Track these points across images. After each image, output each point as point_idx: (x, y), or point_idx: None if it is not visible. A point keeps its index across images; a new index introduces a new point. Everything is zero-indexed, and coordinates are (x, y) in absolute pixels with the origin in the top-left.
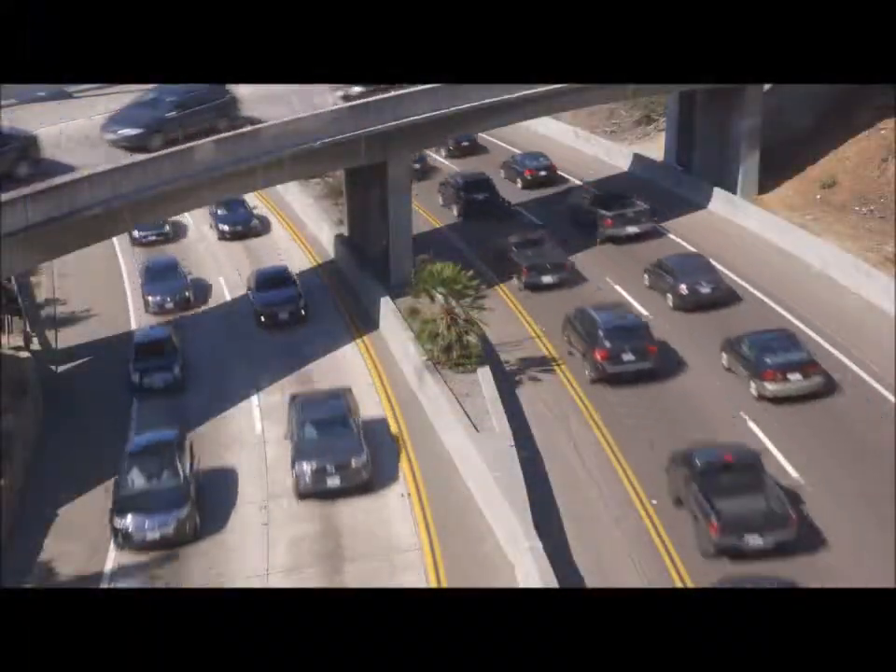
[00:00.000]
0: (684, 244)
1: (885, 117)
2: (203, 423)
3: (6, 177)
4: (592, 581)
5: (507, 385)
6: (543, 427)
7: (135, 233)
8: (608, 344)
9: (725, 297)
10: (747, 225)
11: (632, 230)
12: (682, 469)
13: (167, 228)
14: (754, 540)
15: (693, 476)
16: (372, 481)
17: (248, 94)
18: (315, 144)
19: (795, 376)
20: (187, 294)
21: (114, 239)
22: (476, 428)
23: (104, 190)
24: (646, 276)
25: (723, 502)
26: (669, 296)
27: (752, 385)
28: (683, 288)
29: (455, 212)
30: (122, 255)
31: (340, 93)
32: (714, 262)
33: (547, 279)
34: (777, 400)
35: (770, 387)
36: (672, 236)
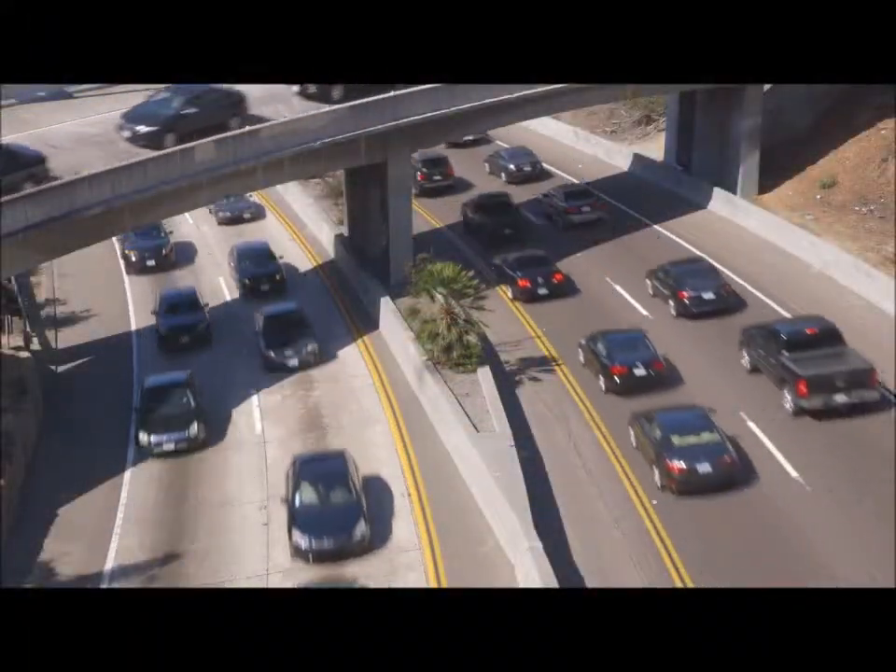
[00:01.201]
0: (684, 243)
1: (885, 117)
2: None
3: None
4: (592, 581)
5: (507, 385)
6: (543, 427)
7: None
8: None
9: (539, 173)
10: (747, 225)
11: (467, 138)
12: (470, 207)
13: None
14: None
15: (474, 210)
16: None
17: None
18: (315, 144)
19: (586, 209)
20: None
21: (114, 239)
22: (476, 428)
23: (104, 190)
24: (486, 165)
25: (486, 218)
26: (502, 174)
27: (560, 221)
28: (512, 168)
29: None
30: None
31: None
32: (716, 264)
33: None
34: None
35: (574, 219)
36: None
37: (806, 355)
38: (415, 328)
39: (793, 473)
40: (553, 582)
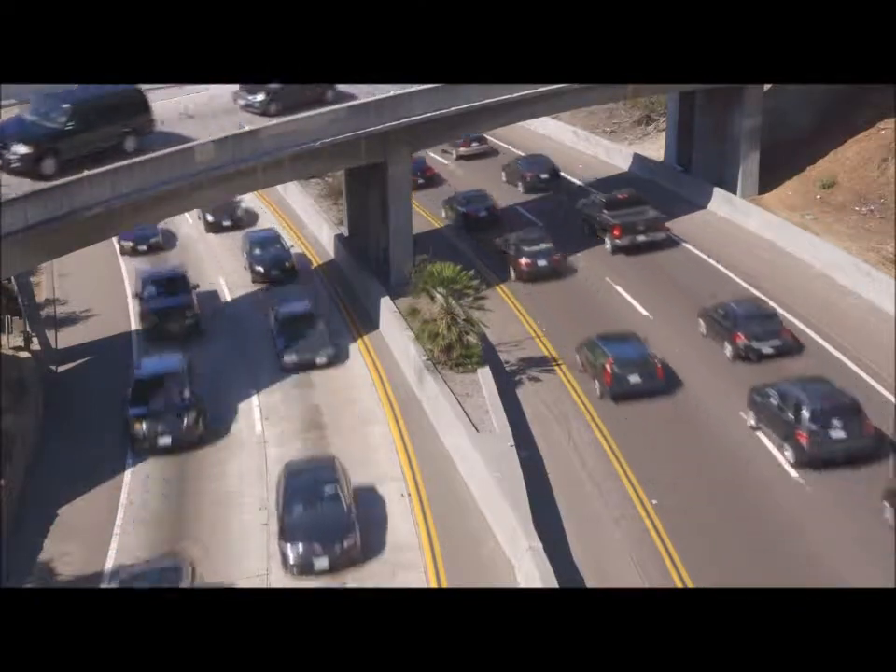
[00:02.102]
0: (684, 243)
1: (885, 117)
2: None
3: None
4: (592, 581)
5: (507, 385)
6: (543, 427)
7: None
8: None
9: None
10: (747, 225)
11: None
12: None
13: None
14: None
15: None
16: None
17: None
18: (315, 144)
19: (475, 144)
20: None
21: (114, 239)
22: (476, 428)
23: (104, 190)
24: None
25: None
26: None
27: (452, 152)
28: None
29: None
30: (122, 255)
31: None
32: (716, 264)
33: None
34: None
35: (462, 151)
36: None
37: (619, 212)
38: (415, 328)
39: (793, 473)
40: (553, 582)
